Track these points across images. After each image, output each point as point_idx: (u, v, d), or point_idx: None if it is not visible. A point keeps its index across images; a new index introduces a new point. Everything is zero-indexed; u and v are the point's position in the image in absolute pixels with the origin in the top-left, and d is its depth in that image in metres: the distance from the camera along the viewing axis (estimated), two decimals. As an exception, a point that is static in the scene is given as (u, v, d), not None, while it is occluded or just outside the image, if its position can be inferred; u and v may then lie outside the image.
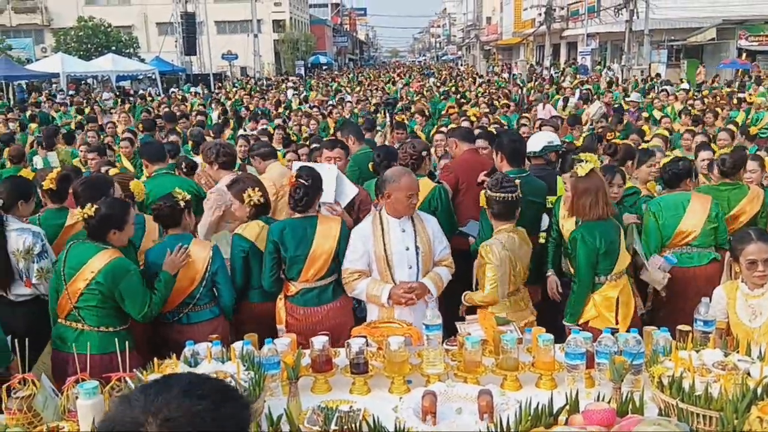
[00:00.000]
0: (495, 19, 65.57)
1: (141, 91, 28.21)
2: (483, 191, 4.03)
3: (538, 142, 5.45)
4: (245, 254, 4.12)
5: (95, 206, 3.63)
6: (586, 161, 3.96)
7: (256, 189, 4.26)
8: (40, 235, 4.18)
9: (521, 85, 22.61)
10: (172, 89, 29.89)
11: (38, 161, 8.67)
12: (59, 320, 3.67)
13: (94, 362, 3.19)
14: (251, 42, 42.63)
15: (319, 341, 3.17)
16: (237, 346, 3.09)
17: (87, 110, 16.88)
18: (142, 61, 37.05)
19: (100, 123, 12.19)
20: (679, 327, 3.21)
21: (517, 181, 3.91)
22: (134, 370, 2.82)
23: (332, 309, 4.02)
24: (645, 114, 9.93)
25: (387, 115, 11.88)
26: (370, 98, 17.05)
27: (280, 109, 15.39)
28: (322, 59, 59.92)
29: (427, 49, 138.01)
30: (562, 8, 40.55)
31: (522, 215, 4.04)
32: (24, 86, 29.70)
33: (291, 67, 52.71)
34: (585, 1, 35.92)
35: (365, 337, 3.29)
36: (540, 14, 40.66)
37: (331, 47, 70.21)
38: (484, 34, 66.46)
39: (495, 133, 6.51)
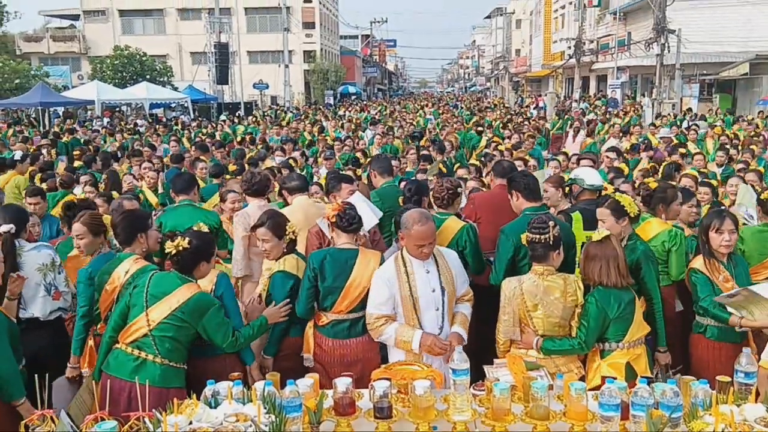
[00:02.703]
0: (524, 52, 65.83)
1: (171, 119, 28.69)
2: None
3: (595, 176, 5.37)
4: (293, 291, 4.09)
5: (188, 238, 3.67)
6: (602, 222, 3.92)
7: (292, 224, 4.27)
8: (53, 248, 4.55)
9: (544, 118, 22.53)
10: (202, 118, 30.34)
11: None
12: (120, 345, 3.62)
13: (152, 395, 3.09)
14: (282, 72, 43.26)
15: (343, 383, 3.09)
16: (258, 386, 3.03)
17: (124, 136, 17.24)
18: (176, 89, 37.80)
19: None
20: (719, 378, 3.07)
21: (551, 223, 3.78)
22: (153, 410, 2.76)
23: (361, 343, 3.98)
24: (682, 150, 9.70)
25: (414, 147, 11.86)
26: (396, 130, 17.02)
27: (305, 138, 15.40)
28: (351, 89, 60.54)
29: (456, 80, 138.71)
30: (592, 41, 40.51)
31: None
32: (60, 113, 30.40)
33: (320, 96, 53.33)
34: (615, 34, 35.85)
35: (389, 379, 3.21)
36: (569, 47, 40.63)
37: (360, 77, 70.94)
38: (513, 66, 66.69)
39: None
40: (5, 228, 4.06)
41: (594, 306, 3.66)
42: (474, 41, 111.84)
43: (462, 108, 31.47)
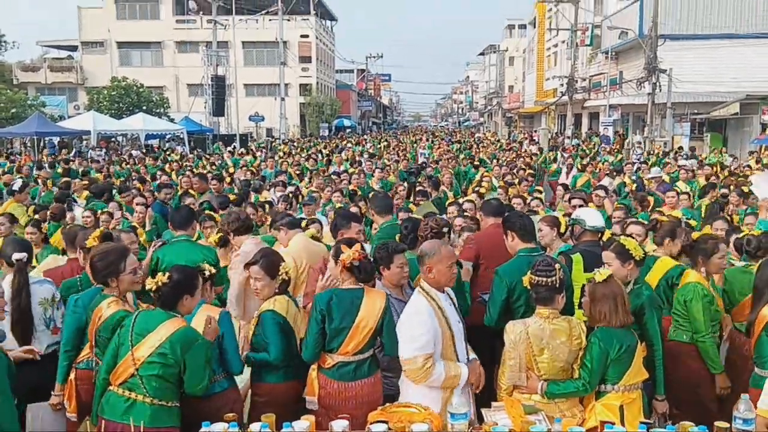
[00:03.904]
0: (517, 88, 66.68)
1: (166, 150, 28.76)
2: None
3: (597, 217, 5.36)
4: (283, 328, 4.03)
5: (168, 273, 3.65)
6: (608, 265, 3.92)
7: (285, 264, 4.23)
8: (53, 283, 4.63)
9: (542, 157, 22.69)
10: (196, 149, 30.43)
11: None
12: (112, 387, 3.58)
13: None
14: (278, 105, 43.59)
15: (339, 425, 3.06)
16: (254, 428, 2.99)
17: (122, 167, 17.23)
18: (172, 120, 37.94)
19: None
20: (717, 423, 3.06)
21: (557, 265, 3.79)
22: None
23: (366, 385, 3.93)
24: (677, 190, 9.78)
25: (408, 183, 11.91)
26: (391, 165, 17.10)
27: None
28: (347, 122, 61.02)
29: (450, 114, 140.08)
30: (584, 79, 41.08)
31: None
32: (55, 143, 30.43)
33: (316, 129, 53.66)
34: (607, 73, 36.37)
35: (386, 422, 3.18)
36: (562, 85, 41.20)
37: (355, 111, 71.54)
38: (506, 102, 67.48)
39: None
40: (18, 256, 4.18)
41: (597, 346, 3.65)
42: (468, 77, 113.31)
43: (458, 144, 31.64)
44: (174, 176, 15.11)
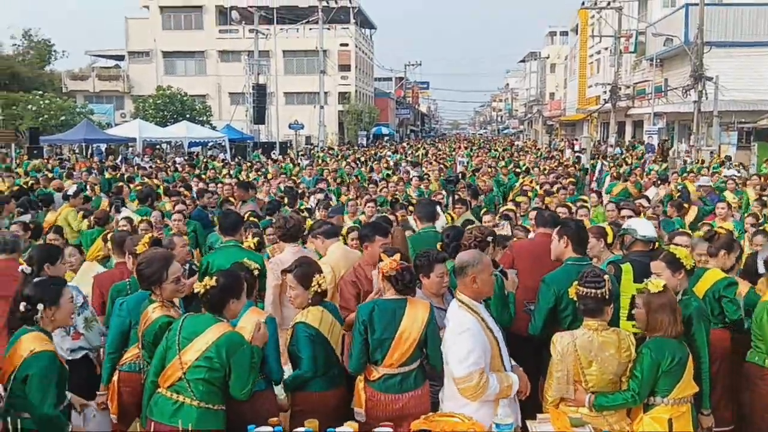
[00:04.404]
0: (558, 95, 66.04)
1: (208, 157, 29.27)
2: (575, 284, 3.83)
3: (648, 227, 5.28)
4: (314, 341, 4.00)
5: (215, 277, 3.68)
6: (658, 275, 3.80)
7: (322, 275, 4.19)
8: (77, 288, 4.60)
9: (581, 164, 22.38)
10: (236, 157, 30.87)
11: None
12: (160, 390, 3.63)
13: None
14: (317, 113, 43.96)
15: (382, 433, 3.06)
16: (299, 433, 3.02)
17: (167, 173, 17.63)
18: (214, 128, 38.60)
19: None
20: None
21: (606, 276, 3.73)
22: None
23: (413, 397, 3.89)
24: (727, 201, 9.54)
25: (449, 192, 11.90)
26: (431, 173, 17.06)
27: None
28: (384, 130, 61.19)
29: (488, 122, 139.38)
30: (628, 87, 40.45)
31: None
32: (102, 149, 31.25)
33: (354, 137, 53.95)
34: (652, 80, 35.75)
35: (430, 431, 3.17)
36: (605, 92, 40.63)
37: (393, 119, 71.71)
38: (547, 110, 66.85)
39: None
40: (22, 267, 4.30)
41: (648, 357, 3.59)
42: (507, 84, 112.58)
43: (497, 151, 31.46)
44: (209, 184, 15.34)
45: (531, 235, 6.51)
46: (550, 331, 4.10)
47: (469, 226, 5.41)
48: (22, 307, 3.57)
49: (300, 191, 11.88)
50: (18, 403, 3.42)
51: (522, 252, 5.39)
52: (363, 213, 9.16)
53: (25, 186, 12.51)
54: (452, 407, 3.52)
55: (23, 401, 3.39)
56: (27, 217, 8.85)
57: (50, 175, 16.47)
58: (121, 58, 56.65)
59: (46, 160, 24.30)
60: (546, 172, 17.47)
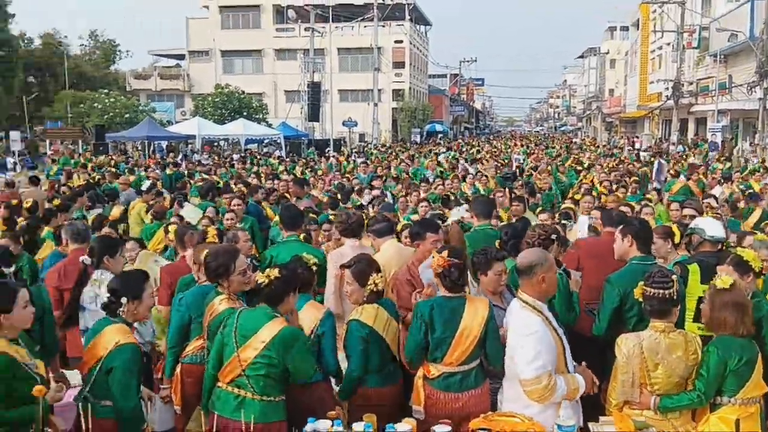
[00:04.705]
0: (618, 92, 64.48)
1: (264, 154, 29.74)
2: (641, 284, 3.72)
3: (716, 227, 5.11)
4: (365, 341, 4.01)
5: (277, 268, 3.71)
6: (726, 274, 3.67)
7: (380, 275, 4.17)
8: None
9: (642, 162, 21.75)
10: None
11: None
12: (221, 385, 3.69)
13: (255, 431, 3.21)
14: (371, 110, 44.13)
15: (441, 430, 3.05)
16: (358, 428, 3.03)
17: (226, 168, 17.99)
18: (270, 125, 39.24)
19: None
20: None
21: (674, 277, 3.63)
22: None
23: (474, 396, 3.84)
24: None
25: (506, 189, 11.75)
26: (488, 171, 16.90)
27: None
28: (438, 127, 60.91)
29: (545, 119, 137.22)
30: (691, 83, 39.17)
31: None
32: (163, 146, 32.18)
33: (407, 134, 53.94)
34: (716, 77, 34.53)
35: (489, 430, 3.14)
36: (667, 88, 39.45)
37: (447, 116, 71.35)
38: (606, 106, 65.35)
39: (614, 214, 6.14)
40: (83, 258, 4.39)
41: (715, 355, 3.48)
42: (565, 80, 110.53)
43: (554, 149, 30.94)
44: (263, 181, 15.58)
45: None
46: (613, 332, 4.01)
47: (533, 224, 5.33)
48: (105, 298, 3.68)
49: (355, 188, 11.95)
50: (99, 391, 3.52)
51: (589, 251, 5.26)
52: (415, 211, 9.15)
53: (92, 181, 12.98)
54: (515, 408, 3.47)
55: (105, 391, 3.50)
56: (98, 211, 9.22)
57: (115, 171, 17.02)
58: (181, 57, 58.12)
59: (110, 157, 25.16)
60: (607, 170, 17.08)
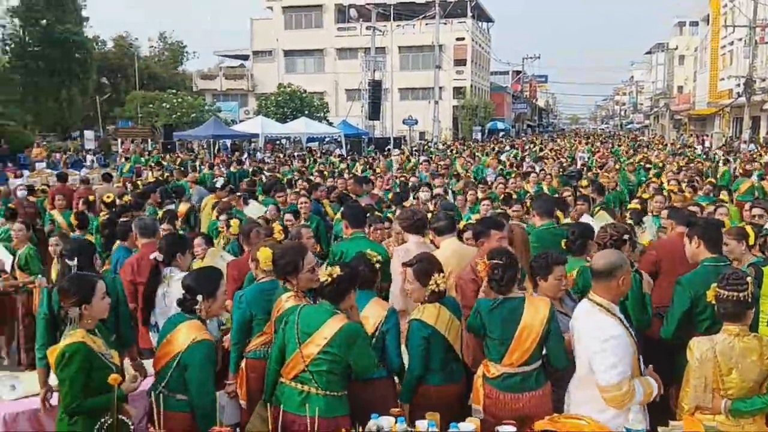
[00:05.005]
0: (687, 89, 62.36)
1: (325, 152, 30.11)
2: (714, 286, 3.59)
3: None
4: (427, 341, 3.99)
5: (338, 267, 3.75)
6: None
7: (442, 275, 4.13)
8: None
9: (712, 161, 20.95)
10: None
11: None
12: (284, 380, 3.74)
13: (320, 426, 3.26)
14: (431, 108, 44.01)
15: (506, 430, 3.03)
16: (421, 426, 3.04)
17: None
18: (330, 124, 39.63)
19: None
20: None
21: (749, 279, 3.50)
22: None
23: (534, 397, 3.78)
24: None
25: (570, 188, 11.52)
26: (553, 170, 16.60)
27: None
28: (500, 125, 60.23)
29: (611, 116, 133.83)
30: (764, 80, 37.51)
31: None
32: (228, 145, 32.94)
33: (468, 132, 53.56)
34: (793, 71, 32.98)
35: None
36: (738, 85, 37.91)
37: (509, 113, 70.46)
38: (675, 104, 63.25)
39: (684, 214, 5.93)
40: (153, 255, 4.47)
41: None
42: (632, 77, 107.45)
43: (621, 147, 30.15)
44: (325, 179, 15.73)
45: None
46: (682, 335, 3.89)
47: (604, 224, 5.20)
48: (181, 296, 3.76)
49: (415, 185, 11.94)
50: (174, 385, 3.62)
51: (666, 252, 5.10)
52: (475, 210, 9.07)
53: (161, 178, 13.42)
54: (585, 413, 3.40)
55: (180, 385, 3.60)
56: (171, 207, 9.54)
57: (182, 168, 17.53)
58: (246, 57, 59.36)
59: (177, 155, 25.93)
60: (676, 169, 16.54)
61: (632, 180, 14.49)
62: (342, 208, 6.77)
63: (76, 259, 4.50)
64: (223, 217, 7.45)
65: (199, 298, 3.71)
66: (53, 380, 4.28)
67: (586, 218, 7.03)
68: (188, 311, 3.74)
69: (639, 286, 4.06)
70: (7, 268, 7.07)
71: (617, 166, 16.75)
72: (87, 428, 3.33)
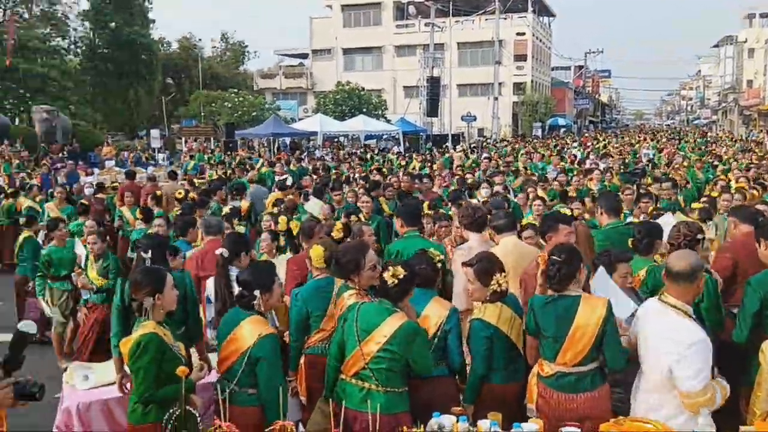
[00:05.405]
0: (757, 83, 59.89)
1: (383, 149, 30.15)
2: None
3: None
4: (489, 340, 3.96)
5: (400, 267, 3.74)
6: None
7: (503, 274, 4.08)
8: None
9: None
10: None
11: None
12: (345, 377, 3.77)
13: (382, 422, 3.27)
14: (491, 104, 43.54)
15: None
16: (484, 425, 3.01)
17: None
18: (388, 121, 39.72)
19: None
20: None
21: None
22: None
23: (590, 399, 3.68)
24: None
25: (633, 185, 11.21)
26: (614, 167, 16.19)
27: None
28: (561, 121, 59.12)
29: (676, 112, 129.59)
30: None
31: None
32: (287, 143, 33.43)
33: (528, 128, 52.80)
34: None
35: (620, 435, 3.01)
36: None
37: (571, 109, 69.08)
38: (744, 98, 60.77)
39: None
40: (219, 251, 4.55)
41: None
42: (699, 71, 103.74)
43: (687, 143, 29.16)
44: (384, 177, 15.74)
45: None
46: (754, 338, 3.73)
47: (676, 222, 5.03)
48: (237, 291, 3.81)
49: (475, 182, 11.83)
50: (243, 380, 3.66)
51: (739, 253, 4.90)
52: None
53: (224, 176, 13.72)
54: (656, 418, 3.28)
55: (249, 380, 3.65)
56: (236, 203, 9.76)
57: (244, 166, 17.87)
58: (305, 56, 60.11)
59: (237, 153, 26.44)
60: (743, 166, 15.88)
61: (700, 177, 13.98)
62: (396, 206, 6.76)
63: (150, 252, 4.64)
64: (266, 217, 7.56)
65: (257, 292, 3.75)
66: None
67: (667, 217, 6.82)
68: (246, 307, 3.78)
69: (715, 288, 3.90)
70: (81, 262, 7.35)
71: (685, 163, 16.19)
72: (159, 418, 3.42)
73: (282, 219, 6.75)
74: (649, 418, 3.29)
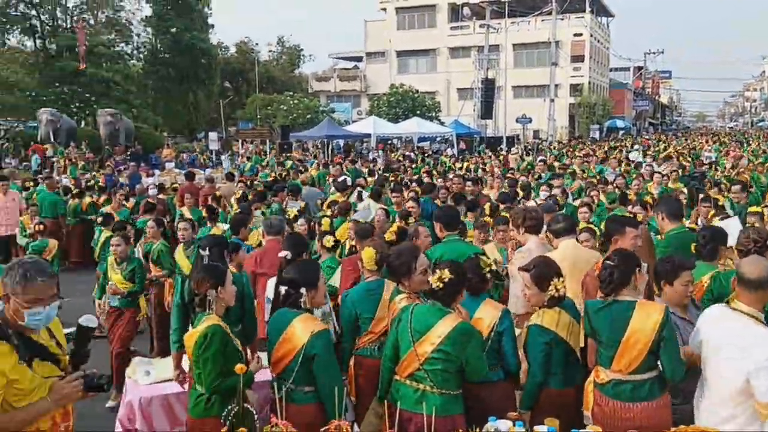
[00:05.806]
0: (830, 81, 57.18)
1: (437, 152, 30.11)
2: None
3: None
4: (548, 346, 3.89)
5: (446, 270, 3.72)
6: None
7: (561, 279, 3.99)
8: None
9: None
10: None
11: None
12: (399, 378, 3.76)
13: (437, 424, 3.23)
14: (546, 106, 42.93)
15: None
16: (541, 430, 2.97)
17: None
18: (442, 123, 39.62)
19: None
20: None
21: None
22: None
23: (647, 408, 3.58)
24: None
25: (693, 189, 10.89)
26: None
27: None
28: (620, 123, 57.81)
29: (740, 113, 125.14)
30: None
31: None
32: (341, 145, 33.72)
33: (585, 131, 51.82)
34: None
35: (684, 446, 2.92)
36: None
37: (630, 111, 67.48)
38: (815, 98, 58.20)
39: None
40: (283, 254, 4.60)
41: None
42: (763, 71, 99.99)
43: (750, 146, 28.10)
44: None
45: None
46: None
47: (745, 227, 4.85)
48: (283, 290, 3.83)
49: (528, 185, 11.68)
50: (301, 379, 3.67)
51: None
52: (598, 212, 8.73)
53: (279, 177, 13.94)
54: (725, 429, 3.20)
55: (306, 377, 3.66)
56: (298, 204, 9.90)
57: (299, 169, 18.12)
58: (359, 59, 60.52)
59: (290, 155, 26.81)
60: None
61: (764, 182, 13.45)
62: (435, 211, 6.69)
63: (208, 250, 4.75)
64: (301, 221, 7.66)
65: (303, 290, 3.78)
66: (184, 363, 4.56)
67: (735, 221, 6.62)
68: (294, 305, 3.80)
69: None
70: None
71: (750, 167, 15.60)
72: (220, 413, 3.49)
73: (325, 221, 6.77)
74: (719, 430, 3.18)
